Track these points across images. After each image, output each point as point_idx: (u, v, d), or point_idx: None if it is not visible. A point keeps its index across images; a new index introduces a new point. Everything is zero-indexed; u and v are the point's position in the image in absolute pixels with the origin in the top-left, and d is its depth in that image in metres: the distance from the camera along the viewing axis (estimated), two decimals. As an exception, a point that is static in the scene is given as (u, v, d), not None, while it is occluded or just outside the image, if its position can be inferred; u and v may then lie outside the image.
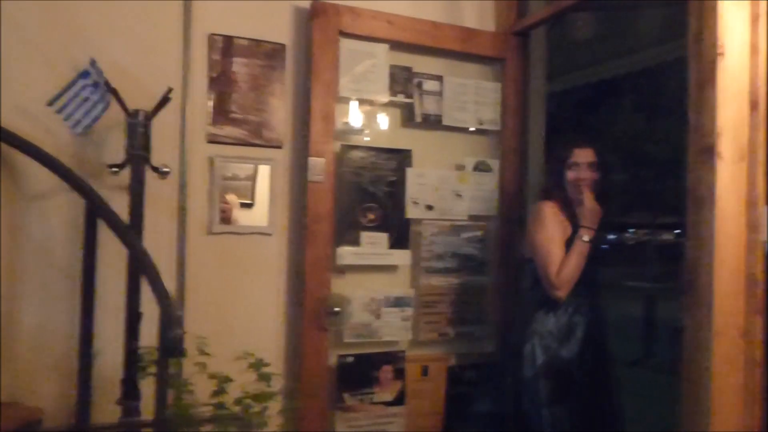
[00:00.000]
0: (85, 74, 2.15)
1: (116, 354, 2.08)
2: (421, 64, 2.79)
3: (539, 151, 3.03)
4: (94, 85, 2.15)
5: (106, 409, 2.04)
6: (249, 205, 2.52)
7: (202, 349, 2.05)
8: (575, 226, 2.35)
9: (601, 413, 2.34)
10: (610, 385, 2.41)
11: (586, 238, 2.29)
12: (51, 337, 2.13)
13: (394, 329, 2.67)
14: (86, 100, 2.15)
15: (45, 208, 2.15)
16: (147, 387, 2.00)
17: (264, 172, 2.54)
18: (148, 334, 2.02)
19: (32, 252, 2.15)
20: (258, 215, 2.53)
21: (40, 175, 2.06)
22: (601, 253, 2.39)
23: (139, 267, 2.02)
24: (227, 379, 2.02)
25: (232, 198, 2.49)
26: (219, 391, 1.99)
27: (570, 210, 2.39)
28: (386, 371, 2.64)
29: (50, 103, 2.10)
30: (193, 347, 2.03)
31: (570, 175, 2.38)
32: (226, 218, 2.48)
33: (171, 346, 1.76)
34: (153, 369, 1.92)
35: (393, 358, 2.66)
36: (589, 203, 2.33)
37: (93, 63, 2.17)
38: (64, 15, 2.24)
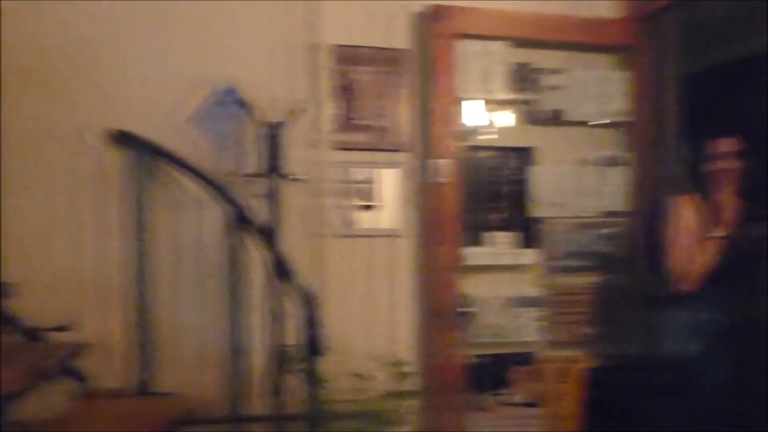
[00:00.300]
0: (221, 91, 2.35)
1: (264, 351, 2.22)
2: (541, 58, 2.74)
3: (674, 142, 2.85)
4: (230, 100, 2.34)
5: (256, 401, 2.19)
6: (376, 208, 2.59)
7: (341, 348, 2.13)
8: (713, 221, 2.20)
9: (726, 415, 2.14)
10: (744, 387, 2.20)
11: (720, 233, 2.14)
12: (205, 335, 2.32)
13: (527, 329, 2.62)
14: (223, 115, 2.35)
15: (196, 216, 2.35)
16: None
17: (389, 175, 2.60)
18: (291, 333, 2.14)
19: (188, 257, 2.35)
20: (385, 218, 2.59)
21: (190, 187, 2.26)
22: (743, 249, 2.21)
23: (280, 270, 2.14)
24: (367, 377, 2.08)
25: (359, 202, 2.58)
26: (359, 389, 2.05)
27: (708, 204, 2.24)
28: (520, 372, 2.60)
29: (191, 120, 2.30)
30: (333, 346, 2.11)
31: (708, 166, 2.23)
32: (354, 221, 2.57)
33: (317, 345, 1.86)
34: (297, 366, 2.02)
35: (527, 359, 2.62)
36: (726, 196, 2.17)
37: (228, 80, 2.36)
38: (199, 37, 2.42)
